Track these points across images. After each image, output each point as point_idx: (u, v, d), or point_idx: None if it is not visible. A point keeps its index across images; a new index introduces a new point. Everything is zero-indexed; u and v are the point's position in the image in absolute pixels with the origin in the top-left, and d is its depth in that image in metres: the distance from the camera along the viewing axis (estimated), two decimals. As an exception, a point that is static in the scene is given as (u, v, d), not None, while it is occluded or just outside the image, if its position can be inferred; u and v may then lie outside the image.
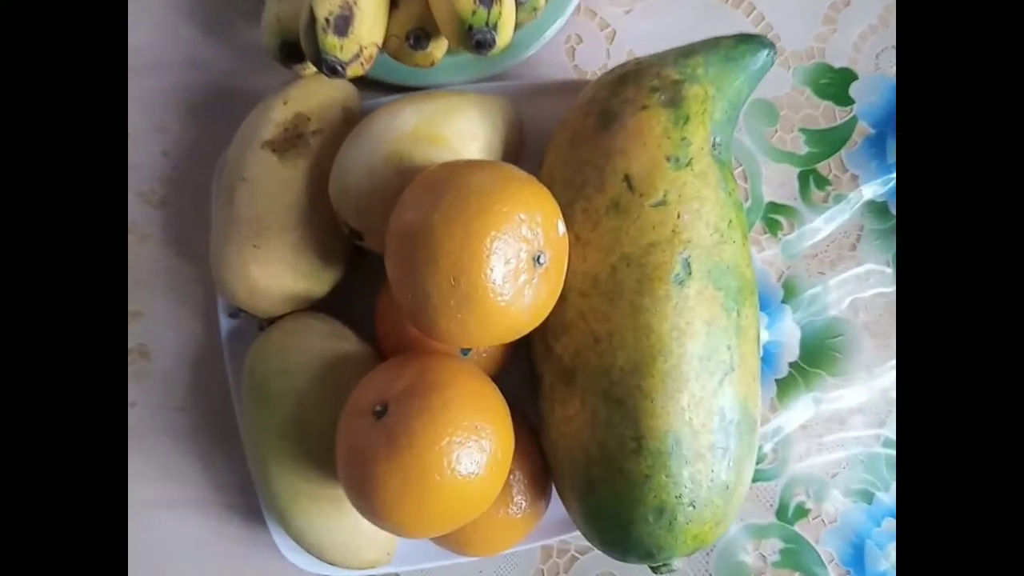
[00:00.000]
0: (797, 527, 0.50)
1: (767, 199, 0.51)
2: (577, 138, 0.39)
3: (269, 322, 0.45)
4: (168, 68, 0.50)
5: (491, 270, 0.33)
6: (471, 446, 0.35)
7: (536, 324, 0.36)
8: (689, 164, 0.37)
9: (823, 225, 0.50)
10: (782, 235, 0.51)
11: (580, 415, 0.37)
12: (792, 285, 0.50)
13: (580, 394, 0.37)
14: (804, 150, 0.51)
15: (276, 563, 0.49)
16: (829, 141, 0.50)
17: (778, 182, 0.51)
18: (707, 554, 0.50)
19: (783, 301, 0.50)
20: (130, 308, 0.50)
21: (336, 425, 0.39)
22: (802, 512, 0.50)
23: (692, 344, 0.36)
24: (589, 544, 0.50)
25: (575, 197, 0.38)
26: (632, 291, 0.36)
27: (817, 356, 0.50)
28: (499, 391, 0.38)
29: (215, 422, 0.49)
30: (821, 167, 0.51)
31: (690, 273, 0.37)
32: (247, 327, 0.47)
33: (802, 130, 0.51)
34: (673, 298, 0.36)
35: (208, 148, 0.49)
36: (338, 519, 0.41)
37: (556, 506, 0.45)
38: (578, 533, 0.46)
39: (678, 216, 0.37)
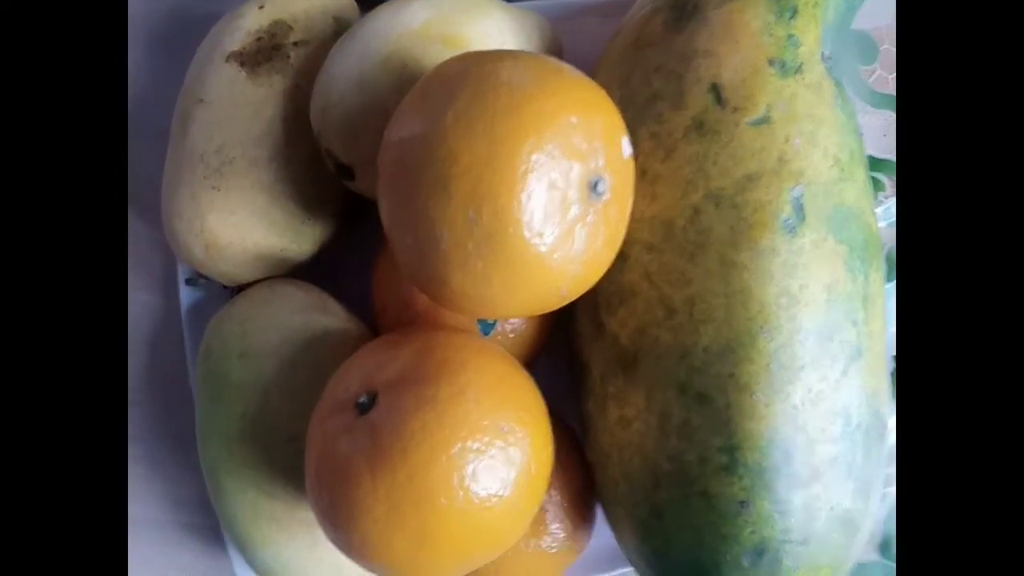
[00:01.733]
0: (907, 567, 0.39)
1: (865, 152, 0.41)
2: (642, 43, 0.29)
3: (238, 291, 0.35)
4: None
5: (527, 197, 0.22)
6: (494, 456, 0.25)
7: (588, 286, 0.26)
8: (799, 71, 0.27)
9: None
10: (884, 197, 0.41)
11: (644, 417, 0.27)
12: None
13: (645, 387, 0.27)
14: (910, 93, 0.42)
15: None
16: (943, 82, 0.41)
17: (878, 132, 0.42)
18: (792, 600, 0.39)
19: (887, 280, 0.40)
20: (70, 276, 0.40)
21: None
22: (914, 548, 0.39)
23: (808, 316, 0.26)
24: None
25: (640, 118, 0.28)
26: (723, 242, 0.26)
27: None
28: (532, 380, 0.28)
29: (174, 420, 0.40)
30: (932, 114, 0.41)
31: (803, 218, 0.26)
32: (213, 300, 0.37)
33: (908, 69, 0.42)
34: (781, 252, 0.26)
35: (172, 87, 0.40)
36: (313, 551, 0.31)
37: (600, 533, 0.35)
38: (630, 570, 0.37)
39: (786, 139, 0.27)
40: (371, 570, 0.26)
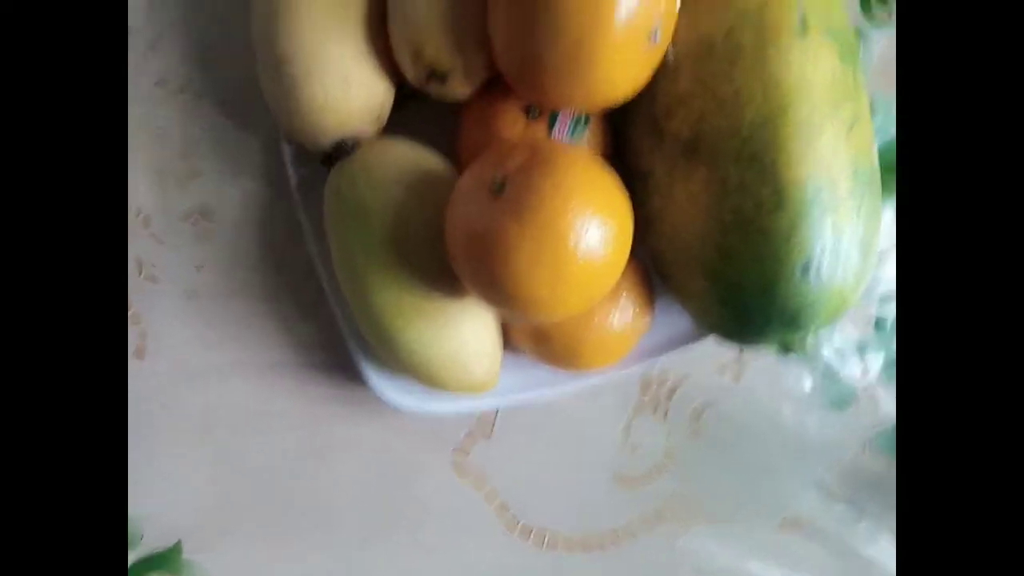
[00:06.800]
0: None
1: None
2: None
3: (335, 158, 0.41)
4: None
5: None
6: (597, 221, 0.33)
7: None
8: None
9: (889, 43, 0.50)
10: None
11: (708, 187, 0.36)
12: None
13: (706, 163, 0.36)
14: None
15: (368, 422, 0.47)
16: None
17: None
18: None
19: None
20: (188, 168, 0.47)
21: (436, 233, 0.37)
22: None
23: (820, 93, 0.35)
24: (688, 372, 0.48)
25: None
26: (754, 47, 0.35)
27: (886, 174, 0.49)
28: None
29: (291, 280, 0.47)
30: (881, -12, 0.50)
31: (807, 27, 0.35)
32: (315, 174, 0.44)
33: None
34: (796, 48, 0.35)
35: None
36: (445, 328, 0.39)
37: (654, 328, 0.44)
38: (678, 353, 0.45)
39: (788, -26, 0.36)
40: (514, 309, 0.34)
